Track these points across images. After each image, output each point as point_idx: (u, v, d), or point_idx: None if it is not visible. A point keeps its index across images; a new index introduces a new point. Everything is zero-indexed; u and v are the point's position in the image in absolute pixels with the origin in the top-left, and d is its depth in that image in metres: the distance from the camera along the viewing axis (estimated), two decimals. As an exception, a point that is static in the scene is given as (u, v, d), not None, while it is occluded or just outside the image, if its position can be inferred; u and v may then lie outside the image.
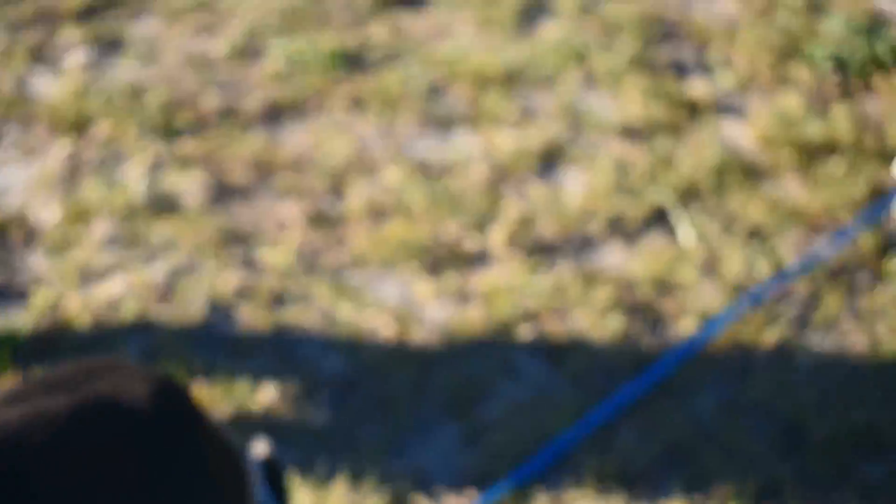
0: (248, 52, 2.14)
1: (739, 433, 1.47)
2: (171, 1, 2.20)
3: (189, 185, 1.78)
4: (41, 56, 2.04)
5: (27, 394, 0.87)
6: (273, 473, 1.02)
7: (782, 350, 1.62)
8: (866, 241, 1.80)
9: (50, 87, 1.97)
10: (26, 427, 0.77)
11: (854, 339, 1.65)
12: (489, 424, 1.44)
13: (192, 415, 0.89)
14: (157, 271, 1.62)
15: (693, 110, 2.08)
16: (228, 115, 1.95)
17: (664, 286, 1.70)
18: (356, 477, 1.34)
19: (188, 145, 1.87)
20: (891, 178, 1.94)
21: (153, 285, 1.60)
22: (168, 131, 1.88)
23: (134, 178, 1.77)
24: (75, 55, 2.05)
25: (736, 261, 1.75)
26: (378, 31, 2.18)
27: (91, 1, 2.16)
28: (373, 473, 1.34)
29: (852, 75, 2.11)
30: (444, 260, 1.71)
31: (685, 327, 1.63)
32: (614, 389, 1.51)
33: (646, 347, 1.60)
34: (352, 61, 2.13)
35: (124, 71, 2.03)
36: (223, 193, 1.78)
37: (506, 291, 1.65)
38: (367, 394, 1.47)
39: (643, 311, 1.66)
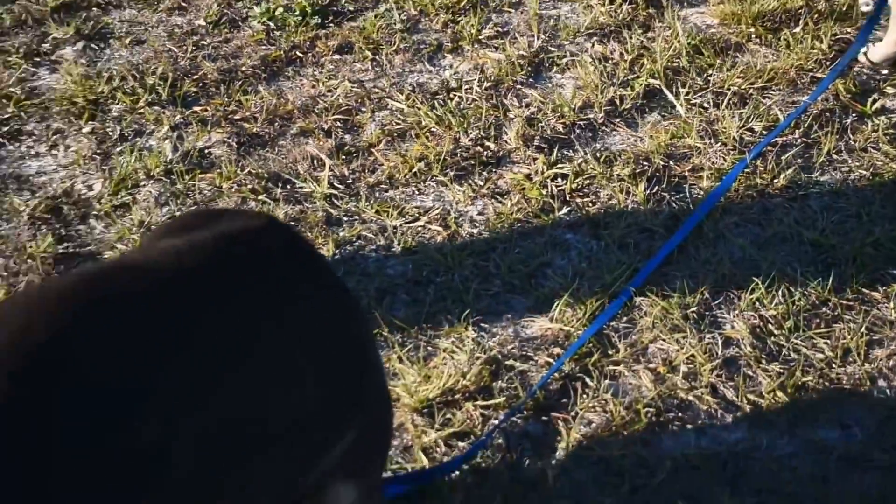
0: (227, 22, 2.22)
1: (776, 261, 1.62)
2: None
3: (216, 143, 1.86)
4: (37, 54, 2.09)
5: (172, 230, 1.06)
6: None
7: (794, 191, 1.78)
8: (844, 86, 1.99)
9: (54, 81, 2.02)
10: (183, 253, 0.95)
11: (855, 172, 1.83)
12: (555, 291, 1.56)
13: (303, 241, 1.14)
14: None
15: (656, 5, 2.25)
16: (229, 78, 2.04)
17: (674, 153, 1.85)
18: (450, 352, 1.45)
19: (202, 109, 1.95)
20: (860, 9, 2.14)
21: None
22: (179, 100, 1.96)
23: (163, 144, 1.84)
24: (69, 49, 2.11)
25: (732, 123, 1.90)
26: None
27: (67, -1, 2.23)
28: (462, 349, 1.45)
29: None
30: (468, 167, 1.83)
31: (702, 185, 1.78)
32: (655, 246, 1.65)
33: (673, 207, 1.74)
34: (327, 13, 2.24)
35: (119, 56, 2.11)
36: (249, 145, 1.87)
37: (533, 182, 1.77)
38: (437, 287, 1.58)
39: (662, 177, 1.80)
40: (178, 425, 0.86)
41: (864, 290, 1.58)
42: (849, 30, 2.17)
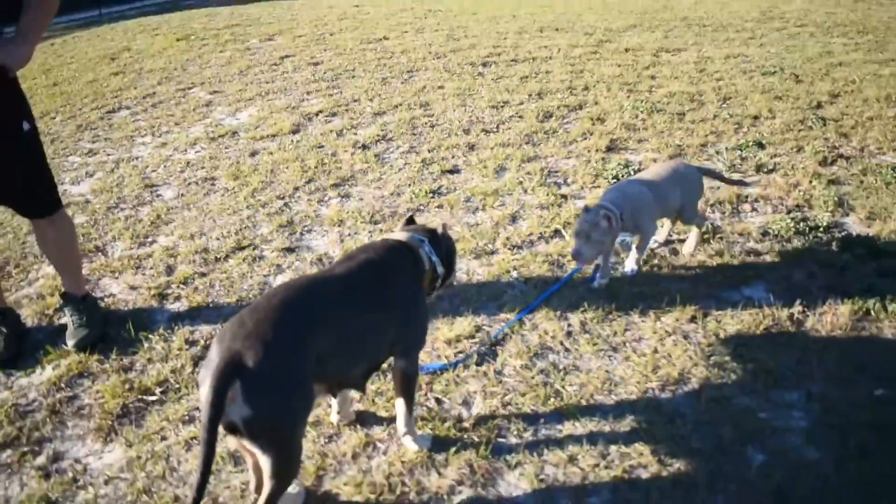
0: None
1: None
2: None
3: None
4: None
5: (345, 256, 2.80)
6: (443, 244, 2.84)
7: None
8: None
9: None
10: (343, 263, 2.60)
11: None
12: (504, 304, 3.63)
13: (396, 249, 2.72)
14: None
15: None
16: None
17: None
18: (457, 321, 3.48)
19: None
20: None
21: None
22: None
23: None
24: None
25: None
26: None
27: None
28: (465, 322, 3.49)
29: None
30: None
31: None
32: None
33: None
34: None
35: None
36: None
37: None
38: (468, 301, 3.63)
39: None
40: (331, 328, 2.28)
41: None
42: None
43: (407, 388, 2.68)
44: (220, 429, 2.05)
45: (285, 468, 2.22)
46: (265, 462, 2.17)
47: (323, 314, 2.29)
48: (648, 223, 3.76)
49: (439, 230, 2.88)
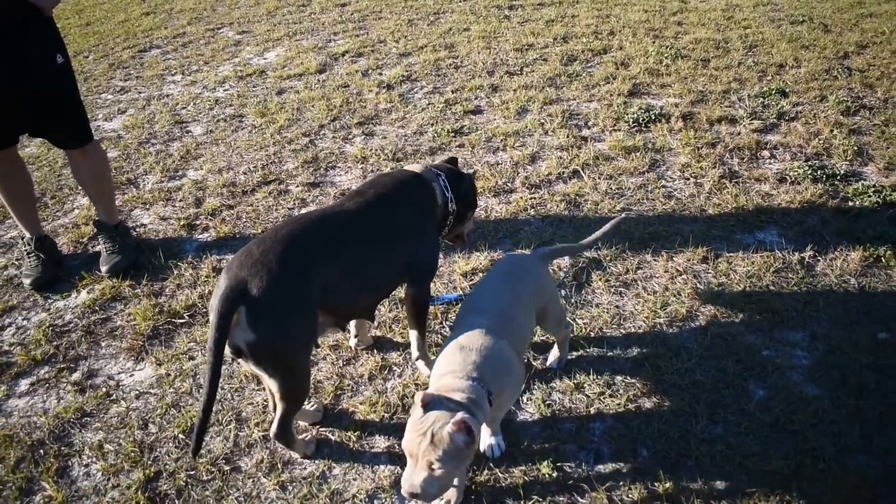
0: None
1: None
2: None
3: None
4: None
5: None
6: (465, 184, 2.91)
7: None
8: None
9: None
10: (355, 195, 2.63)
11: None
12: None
13: (408, 182, 2.75)
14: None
15: None
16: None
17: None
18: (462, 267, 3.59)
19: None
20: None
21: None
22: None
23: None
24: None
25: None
26: None
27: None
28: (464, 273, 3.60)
29: None
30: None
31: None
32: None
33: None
34: None
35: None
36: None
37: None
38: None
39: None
40: (338, 258, 2.32)
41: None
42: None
43: (418, 314, 2.77)
44: (228, 352, 2.18)
45: (292, 390, 2.34)
46: (272, 385, 2.30)
47: (328, 246, 2.33)
48: (515, 383, 2.40)
49: (466, 171, 2.90)
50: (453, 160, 3.04)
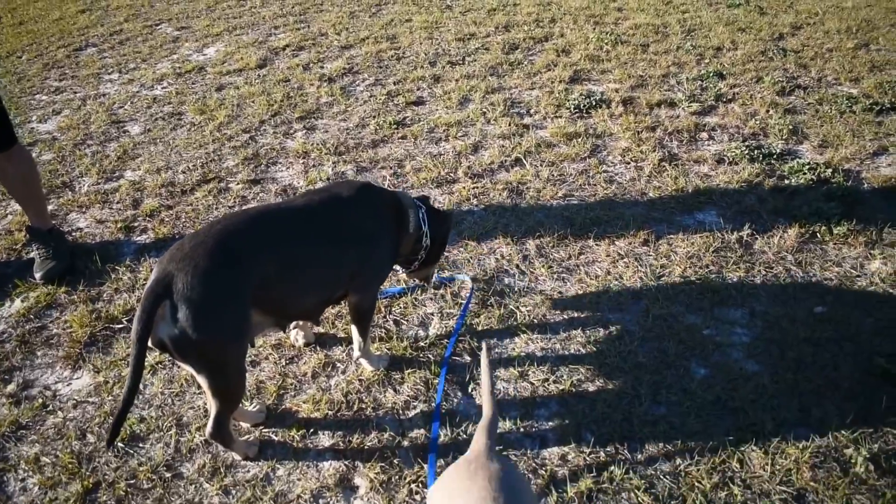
0: None
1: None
2: None
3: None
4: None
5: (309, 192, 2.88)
6: (443, 226, 2.90)
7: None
8: None
9: None
10: (311, 199, 2.53)
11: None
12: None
13: (373, 190, 2.66)
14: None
15: None
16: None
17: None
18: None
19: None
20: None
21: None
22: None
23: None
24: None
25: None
26: None
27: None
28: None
29: None
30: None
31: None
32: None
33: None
34: None
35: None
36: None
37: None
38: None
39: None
40: (275, 256, 2.25)
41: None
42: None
43: (360, 320, 2.74)
44: (153, 346, 2.12)
45: (224, 388, 2.28)
46: (202, 382, 2.25)
47: (266, 241, 2.28)
48: None
49: (448, 212, 2.93)
50: (425, 198, 2.97)
